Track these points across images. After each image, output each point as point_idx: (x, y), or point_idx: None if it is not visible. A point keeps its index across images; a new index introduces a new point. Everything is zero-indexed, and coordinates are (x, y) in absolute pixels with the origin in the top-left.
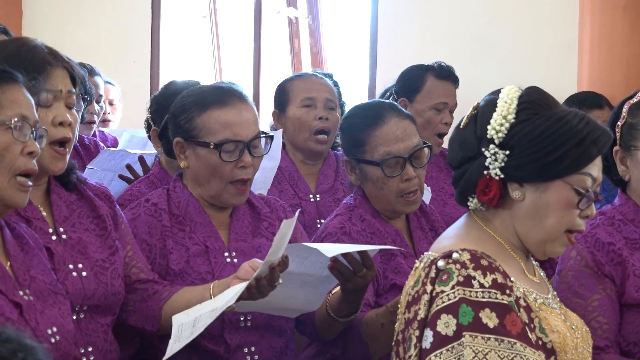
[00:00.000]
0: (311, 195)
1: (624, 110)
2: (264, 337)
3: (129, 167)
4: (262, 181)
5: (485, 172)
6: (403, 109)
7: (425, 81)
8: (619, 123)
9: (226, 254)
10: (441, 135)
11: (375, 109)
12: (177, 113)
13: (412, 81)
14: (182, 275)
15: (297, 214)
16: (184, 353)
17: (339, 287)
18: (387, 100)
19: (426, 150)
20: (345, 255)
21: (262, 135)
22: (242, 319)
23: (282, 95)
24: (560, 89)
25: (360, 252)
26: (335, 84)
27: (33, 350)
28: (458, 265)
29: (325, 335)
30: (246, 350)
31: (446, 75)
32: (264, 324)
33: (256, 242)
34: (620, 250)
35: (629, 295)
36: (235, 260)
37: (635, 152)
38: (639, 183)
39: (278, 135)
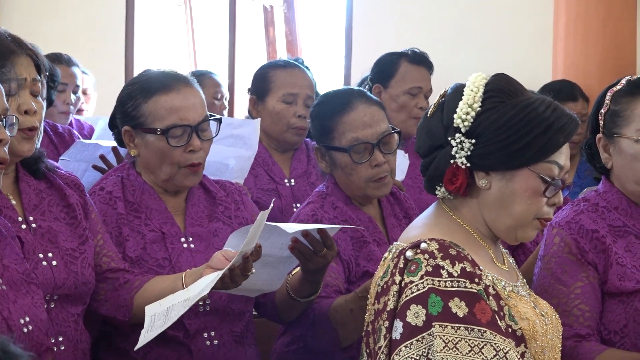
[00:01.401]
0: (286, 180)
1: (607, 97)
2: (224, 322)
3: (102, 157)
4: (238, 170)
5: (452, 161)
6: (372, 96)
7: (398, 66)
8: (602, 111)
9: (183, 239)
10: (417, 121)
11: (344, 96)
12: (123, 101)
13: (386, 67)
14: (139, 262)
15: (271, 204)
16: None
17: (299, 268)
18: (357, 87)
19: (396, 136)
20: (305, 235)
21: (210, 119)
22: (200, 303)
23: (263, 83)
24: (536, 76)
25: (321, 232)
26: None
27: (18, 359)
28: (426, 255)
29: (287, 315)
30: (205, 334)
31: (420, 60)
32: (223, 308)
33: (212, 227)
34: (604, 237)
35: (612, 284)
36: (192, 245)
37: (618, 140)
38: (621, 170)
39: (256, 125)
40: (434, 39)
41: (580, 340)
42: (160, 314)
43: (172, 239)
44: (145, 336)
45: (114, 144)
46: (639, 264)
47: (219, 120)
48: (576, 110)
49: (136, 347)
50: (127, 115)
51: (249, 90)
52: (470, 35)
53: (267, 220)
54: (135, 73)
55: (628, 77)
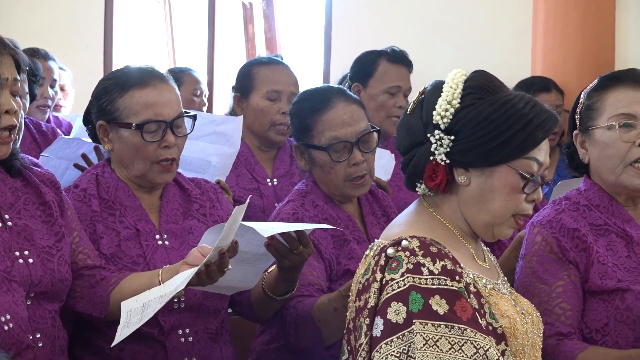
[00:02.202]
0: (268, 180)
1: (582, 96)
2: (199, 318)
3: (84, 156)
4: (220, 167)
5: (431, 157)
6: (351, 94)
7: (378, 65)
8: (578, 109)
9: (157, 236)
10: (397, 118)
11: (323, 94)
12: (98, 96)
13: (365, 66)
14: (114, 260)
15: (248, 200)
16: None
17: (275, 266)
18: (336, 86)
19: (375, 134)
20: (282, 232)
21: (184, 115)
22: (175, 300)
23: (247, 80)
24: (514, 75)
25: (297, 230)
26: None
27: None
28: (407, 253)
29: (262, 314)
30: (180, 331)
31: (399, 59)
32: (197, 305)
33: (187, 224)
34: (585, 236)
35: (593, 282)
36: (167, 242)
37: (592, 132)
38: (597, 162)
39: (239, 122)
40: (413, 37)
41: (562, 338)
42: (136, 310)
43: (147, 236)
44: (122, 332)
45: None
46: (620, 263)
47: (194, 117)
48: (550, 101)
49: (113, 344)
50: (102, 109)
51: (233, 87)
52: (449, 33)
53: (248, 219)
54: (114, 69)
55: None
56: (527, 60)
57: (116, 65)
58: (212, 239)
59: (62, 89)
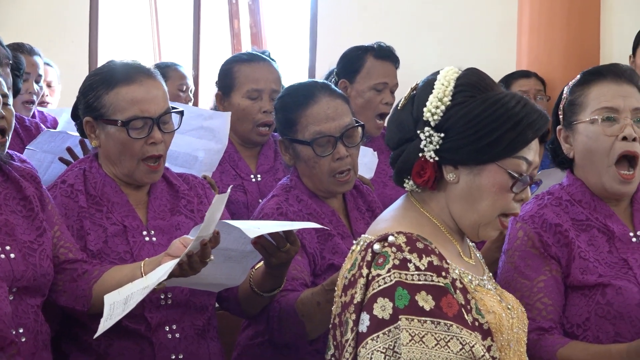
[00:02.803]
0: (252, 176)
1: (565, 92)
2: (186, 315)
3: (69, 150)
4: (207, 163)
5: (420, 154)
6: (336, 89)
7: (364, 62)
8: (561, 105)
9: (144, 232)
10: (382, 116)
11: (308, 89)
12: (85, 92)
13: (352, 62)
14: (101, 256)
15: (229, 190)
16: (104, 333)
17: (262, 262)
18: (321, 80)
19: (359, 129)
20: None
21: (171, 111)
22: (162, 297)
23: (228, 79)
24: (500, 70)
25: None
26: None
27: None
28: (394, 249)
29: (250, 310)
30: (167, 328)
31: (386, 55)
32: (185, 301)
33: (175, 220)
34: (567, 231)
35: (574, 277)
36: (154, 239)
37: (576, 127)
38: (581, 157)
39: (227, 118)
40: (398, 32)
41: (543, 333)
42: (119, 303)
43: (134, 232)
44: (104, 324)
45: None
46: (601, 258)
47: (181, 113)
48: (529, 86)
49: (95, 335)
50: (88, 106)
51: (216, 83)
52: (434, 28)
53: (232, 215)
54: (100, 64)
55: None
56: (512, 56)
57: (102, 61)
58: None
59: (48, 85)
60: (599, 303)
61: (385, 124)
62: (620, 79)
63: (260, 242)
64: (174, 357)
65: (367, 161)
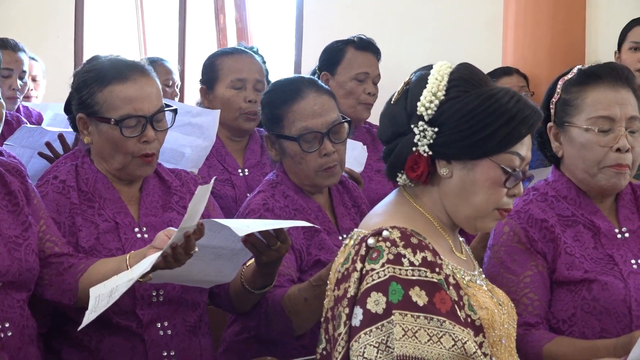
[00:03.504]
0: (240, 170)
1: (559, 86)
2: (177, 312)
3: (48, 144)
4: (194, 159)
5: (414, 148)
6: (323, 85)
7: (345, 53)
8: (553, 99)
9: (136, 229)
10: (366, 107)
11: (294, 84)
12: (79, 88)
13: (333, 54)
14: (92, 253)
15: (212, 181)
16: (95, 329)
17: (253, 259)
18: (308, 76)
19: (346, 125)
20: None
21: (165, 109)
22: (154, 293)
23: (211, 72)
24: (485, 66)
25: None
26: (263, 60)
27: None
28: (388, 243)
29: (241, 306)
30: (159, 325)
31: (366, 46)
32: (176, 298)
33: (167, 217)
34: (553, 227)
35: (560, 273)
36: (146, 235)
37: (568, 128)
38: (571, 159)
39: (215, 116)
40: (384, 27)
41: (530, 328)
42: (104, 295)
43: (126, 229)
44: (89, 317)
45: (61, 130)
46: (587, 254)
47: (175, 111)
48: (512, 84)
49: (79, 328)
50: (82, 102)
51: (200, 80)
52: (420, 25)
53: (221, 209)
54: (85, 59)
55: (579, 66)
56: (498, 52)
57: (87, 55)
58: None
59: (33, 79)
60: (585, 299)
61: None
62: (617, 83)
63: (250, 240)
64: (165, 354)
65: (357, 155)
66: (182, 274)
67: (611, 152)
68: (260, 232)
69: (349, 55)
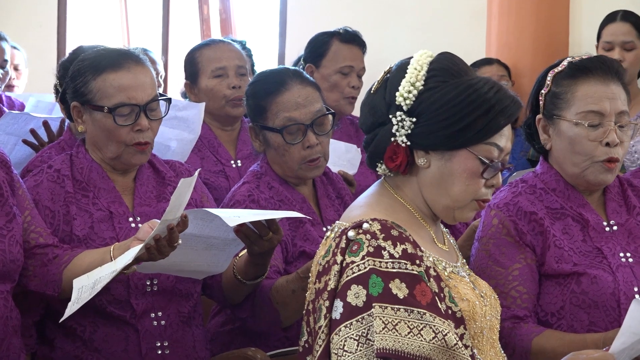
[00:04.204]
0: (232, 161)
1: (548, 78)
2: (171, 302)
3: (33, 132)
4: (179, 152)
5: (392, 138)
6: (308, 76)
7: (330, 46)
8: (542, 91)
9: (130, 219)
10: (351, 99)
11: (279, 76)
12: (74, 77)
13: (318, 46)
14: (87, 242)
15: (196, 173)
16: (89, 319)
17: (245, 250)
18: (293, 67)
19: (330, 117)
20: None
21: (159, 98)
22: (148, 283)
23: (192, 66)
24: (469, 56)
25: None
26: (249, 53)
27: None
28: (368, 236)
29: (233, 298)
30: (153, 315)
31: (351, 39)
32: (170, 288)
33: (161, 207)
34: (542, 220)
35: (549, 266)
36: (140, 225)
37: (557, 121)
38: (560, 152)
39: (201, 109)
40: (368, 18)
41: (518, 322)
42: (87, 287)
43: (120, 219)
44: (71, 308)
45: (45, 117)
46: (576, 247)
47: (169, 101)
48: (492, 73)
49: (61, 319)
50: (76, 91)
51: (185, 75)
52: (404, 15)
53: (215, 201)
54: (68, 49)
55: (570, 59)
56: (481, 42)
57: (70, 45)
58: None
59: (15, 68)
60: (574, 292)
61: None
62: (607, 77)
63: (242, 230)
64: (159, 344)
65: (351, 157)
66: (175, 264)
67: (600, 146)
68: (252, 223)
69: (334, 48)
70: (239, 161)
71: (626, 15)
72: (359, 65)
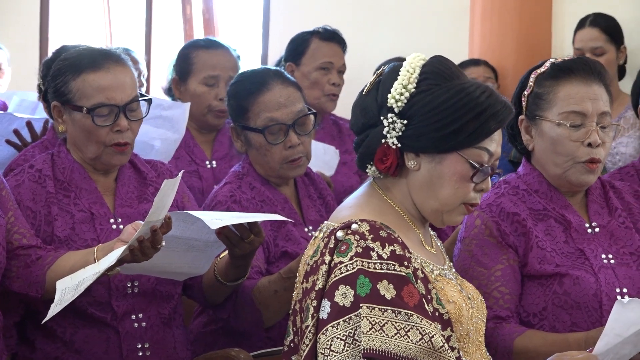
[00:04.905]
0: (207, 162)
1: (531, 79)
2: (152, 303)
3: (16, 132)
4: (163, 152)
5: (383, 140)
6: (289, 76)
7: (309, 44)
8: (525, 92)
9: (112, 220)
10: (331, 97)
11: (260, 76)
12: (54, 76)
13: (297, 45)
14: (68, 243)
15: (180, 175)
16: (70, 321)
17: (227, 252)
18: (274, 68)
19: (311, 117)
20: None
21: (140, 99)
22: (129, 285)
23: (185, 64)
24: (452, 57)
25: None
26: (238, 57)
27: None
28: (357, 237)
29: (214, 298)
30: (133, 316)
31: (330, 36)
32: (151, 290)
33: (142, 208)
34: (525, 221)
35: (531, 267)
36: (121, 226)
37: (540, 122)
38: (542, 152)
39: (185, 109)
40: (351, 18)
41: (500, 322)
42: (70, 288)
43: (101, 220)
44: (54, 309)
45: (29, 117)
46: (558, 248)
47: (149, 101)
48: (478, 74)
49: (44, 320)
50: (56, 90)
51: (174, 67)
52: (387, 16)
53: (195, 202)
54: (50, 48)
55: (552, 60)
56: (464, 44)
57: (52, 44)
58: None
59: None
60: (557, 293)
61: (343, 111)
62: (589, 78)
63: (224, 233)
64: (139, 345)
65: (328, 159)
66: (156, 266)
67: (582, 146)
68: (234, 225)
69: (314, 46)
70: (214, 162)
71: (596, 20)
72: (339, 62)
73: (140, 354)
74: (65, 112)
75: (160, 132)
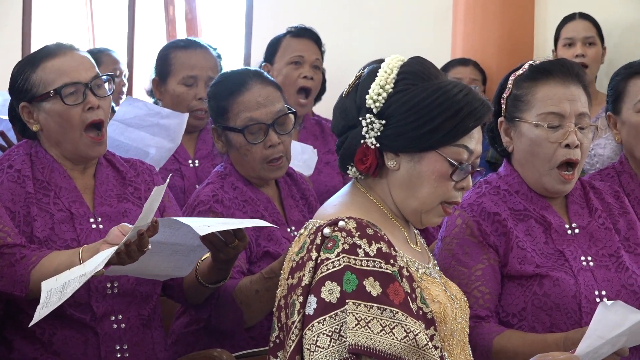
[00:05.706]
0: (190, 161)
1: (510, 81)
2: (132, 304)
3: (2, 134)
4: (157, 159)
5: (362, 141)
6: (268, 76)
7: (282, 42)
8: (504, 95)
9: (91, 219)
10: (303, 91)
11: (240, 76)
12: (15, 78)
13: (272, 45)
14: (47, 243)
15: (167, 180)
16: (48, 322)
17: (209, 254)
18: (254, 68)
19: (291, 116)
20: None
21: (101, 75)
22: (108, 286)
23: (164, 65)
24: (435, 58)
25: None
26: (218, 55)
27: None
28: (344, 233)
29: (194, 298)
30: (113, 318)
31: (302, 32)
32: (131, 290)
33: (122, 207)
34: (505, 221)
35: (512, 267)
36: (101, 226)
37: (519, 124)
38: (521, 154)
39: (184, 120)
40: (333, 20)
41: (480, 321)
42: (56, 290)
43: (81, 219)
44: (41, 312)
45: None
46: (538, 248)
47: (112, 77)
48: (464, 74)
49: (31, 324)
50: (20, 91)
51: (154, 69)
52: (370, 17)
53: (177, 205)
54: (33, 49)
55: (531, 62)
56: (447, 44)
57: (35, 45)
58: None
59: None
60: (536, 294)
61: (327, 111)
62: (567, 79)
63: (209, 238)
64: (118, 347)
65: (307, 158)
66: (139, 268)
67: (560, 147)
68: (219, 231)
69: (285, 43)
70: (196, 161)
71: (584, 15)
72: (311, 57)
73: (119, 355)
74: (34, 110)
75: (156, 140)
